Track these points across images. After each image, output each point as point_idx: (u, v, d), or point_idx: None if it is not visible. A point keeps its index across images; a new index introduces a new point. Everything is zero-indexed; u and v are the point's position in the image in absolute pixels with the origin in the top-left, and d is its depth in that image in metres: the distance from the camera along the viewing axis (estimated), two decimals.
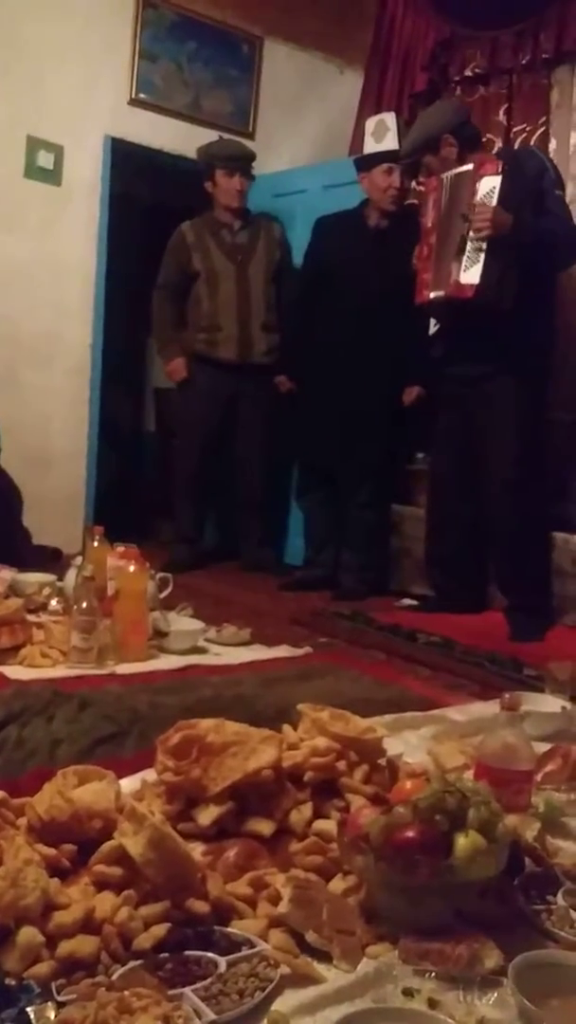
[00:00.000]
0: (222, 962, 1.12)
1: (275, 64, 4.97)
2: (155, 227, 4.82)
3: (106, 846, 1.27)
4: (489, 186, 3.11)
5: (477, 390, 3.36)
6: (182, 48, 4.69)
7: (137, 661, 2.57)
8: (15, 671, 2.43)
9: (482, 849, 1.23)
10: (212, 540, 4.76)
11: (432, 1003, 1.08)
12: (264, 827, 1.43)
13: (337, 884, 1.33)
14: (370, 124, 4.01)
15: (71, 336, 4.56)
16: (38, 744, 1.84)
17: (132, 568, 2.65)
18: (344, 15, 4.98)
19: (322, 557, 4.15)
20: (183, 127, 4.71)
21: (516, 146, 4.04)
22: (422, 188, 3.97)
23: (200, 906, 1.21)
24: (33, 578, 3.09)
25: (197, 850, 1.37)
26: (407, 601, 3.81)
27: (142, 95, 4.62)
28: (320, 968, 1.16)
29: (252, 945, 1.17)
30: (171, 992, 1.05)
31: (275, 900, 1.25)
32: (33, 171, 4.36)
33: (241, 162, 4.26)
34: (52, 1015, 1.01)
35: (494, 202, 3.07)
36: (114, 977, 1.09)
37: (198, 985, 1.08)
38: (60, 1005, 1.03)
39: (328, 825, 1.45)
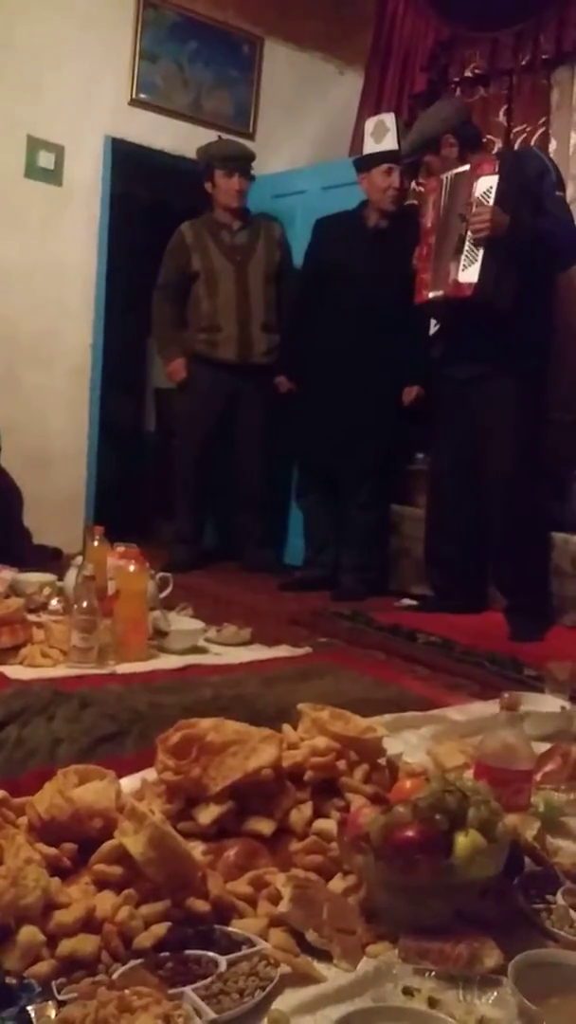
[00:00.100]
0: (222, 961, 1.12)
1: (275, 64, 4.98)
2: (155, 227, 4.83)
3: (106, 845, 1.27)
4: (486, 186, 3.12)
5: (477, 390, 3.36)
6: (182, 48, 4.69)
7: (137, 661, 2.57)
8: (15, 671, 2.43)
9: (482, 848, 1.23)
10: (212, 540, 4.76)
11: (432, 1002, 1.08)
12: (264, 826, 1.43)
13: (337, 883, 1.33)
14: (369, 125, 4.01)
15: (71, 336, 4.57)
16: (38, 743, 1.84)
17: (132, 568, 2.65)
18: (344, 16, 4.98)
19: (322, 557, 4.15)
20: (183, 127, 4.71)
21: (516, 147, 4.04)
22: (422, 188, 3.97)
23: (200, 905, 1.22)
24: (33, 578, 3.09)
25: (197, 849, 1.37)
26: (407, 601, 3.81)
27: (143, 95, 4.62)
28: (320, 967, 1.16)
29: (252, 944, 1.17)
30: (171, 991, 1.05)
31: (275, 899, 1.25)
32: (34, 171, 4.37)
33: (240, 162, 4.26)
34: (53, 1014, 1.01)
35: (491, 202, 3.08)
36: (115, 976, 1.09)
37: (198, 984, 1.08)
38: (61, 1004, 1.04)
39: (328, 824, 1.46)
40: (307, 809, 1.49)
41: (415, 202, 4.19)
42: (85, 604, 2.50)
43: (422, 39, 4.48)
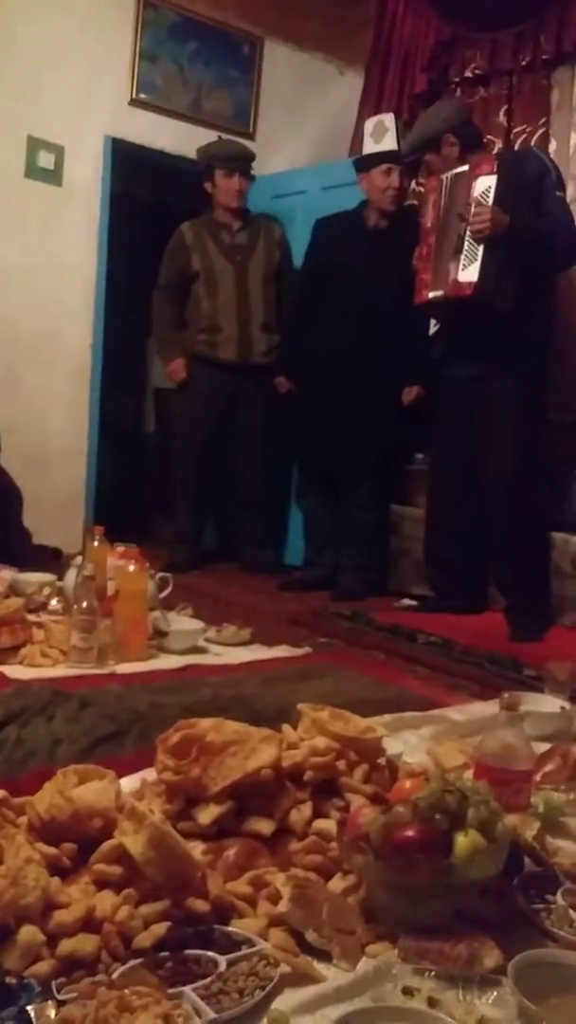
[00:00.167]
0: (222, 961, 1.12)
1: (275, 65, 4.98)
2: (155, 227, 4.84)
3: (106, 845, 1.27)
4: (484, 185, 3.12)
5: (476, 390, 3.36)
6: (182, 49, 4.69)
7: (137, 661, 2.57)
8: (15, 671, 2.43)
9: (482, 848, 1.23)
10: (212, 540, 4.76)
11: (432, 1002, 1.08)
12: (264, 826, 1.43)
13: (337, 883, 1.33)
14: (369, 125, 4.01)
15: (71, 336, 4.57)
16: (38, 743, 1.84)
17: (132, 568, 2.65)
18: (344, 16, 4.98)
19: (322, 557, 4.15)
20: (183, 127, 4.72)
21: (516, 147, 4.04)
22: (422, 188, 3.97)
23: (200, 905, 1.22)
24: (33, 578, 3.09)
25: (197, 849, 1.37)
26: (406, 601, 3.81)
27: (143, 95, 4.62)
28: (320, 967, 1.16)
29: (252, 944, 1.17)
30: (171, 991, 1.05)
31: (275, 899, 1.25)
32: (34, 171, 4.37)
33: (240, 162, 4.27)
34: (52, 1014, 1.01)
35: (490, 201, 3.08)
36: (114, 976, 1.09)
37: (198, 984, 1.08)
38: (60, 1004, 1.04)
39: (328, 824, 1.45)
40: (307, 809, 1.49)
41: (415, 202, 4.19)
42: (85, 604, 2.50)
43: (422, 39, 4.48)
